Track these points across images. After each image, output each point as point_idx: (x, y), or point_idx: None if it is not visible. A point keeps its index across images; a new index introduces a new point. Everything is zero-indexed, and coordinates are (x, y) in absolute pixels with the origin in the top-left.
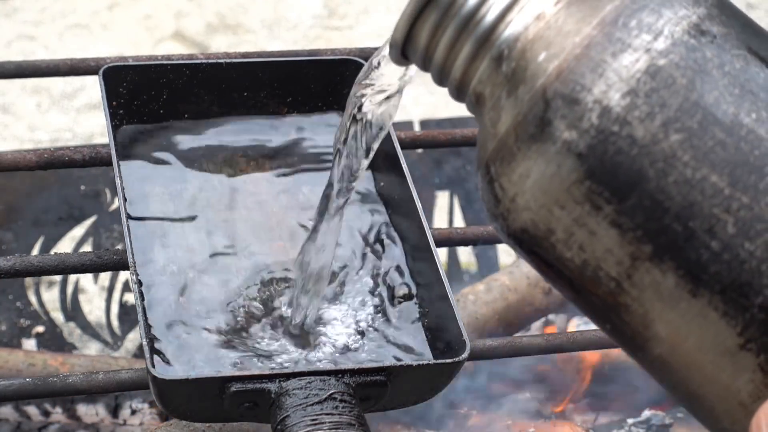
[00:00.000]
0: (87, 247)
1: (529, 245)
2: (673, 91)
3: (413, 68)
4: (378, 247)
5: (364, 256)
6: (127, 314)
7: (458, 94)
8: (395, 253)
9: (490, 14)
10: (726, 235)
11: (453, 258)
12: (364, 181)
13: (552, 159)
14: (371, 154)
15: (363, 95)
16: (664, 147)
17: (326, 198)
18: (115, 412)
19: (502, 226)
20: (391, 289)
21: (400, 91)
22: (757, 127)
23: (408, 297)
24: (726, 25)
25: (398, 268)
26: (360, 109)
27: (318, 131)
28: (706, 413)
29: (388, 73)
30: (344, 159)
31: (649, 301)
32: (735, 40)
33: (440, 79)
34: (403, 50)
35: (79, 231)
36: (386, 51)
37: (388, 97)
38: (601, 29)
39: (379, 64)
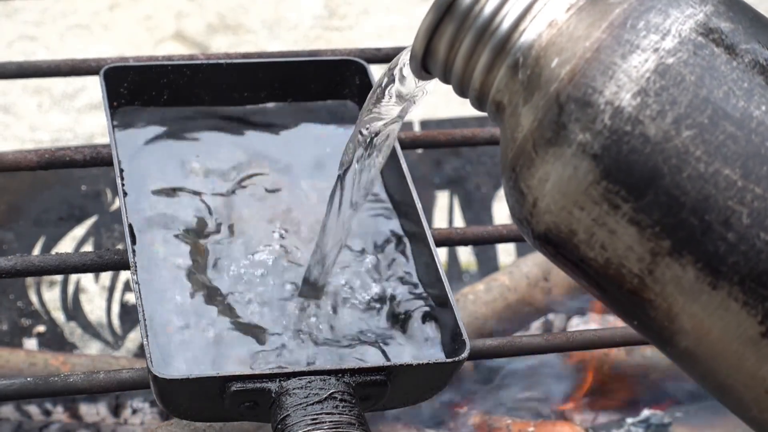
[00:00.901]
0: (88, 247)
1: (554, 247)
2: (682, 89)
3: (420, 92)
4: (380, 246)
5: (364, 255)
6: (128, 314)
7: (479, 104)
8: (398, 254)
9: (505, 23)
10: (741, 226)
11: (453, 258)
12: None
13: (568, 161)
14: (377, 172)
15: (371, 116)
16: (676, 143)
17: (332, 205)
18: (116, 411)
19: (527, 230)
20: (391, 289)
21: (402, 115)
22: (767, 118)
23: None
24: (734, 21)
25: (402, 269)
26: (368, 129)
27: (321, 120)
28: (735, 403)
29: (395, 94)
30: (352, 178)
31: (672, 296)
32: (743, 35)
33: (461, 90)
34: (424, 63)
35: (80, 231)
36: (402, 61)
37: (393, 119)
38: (610, 32)
39: (391, 80)
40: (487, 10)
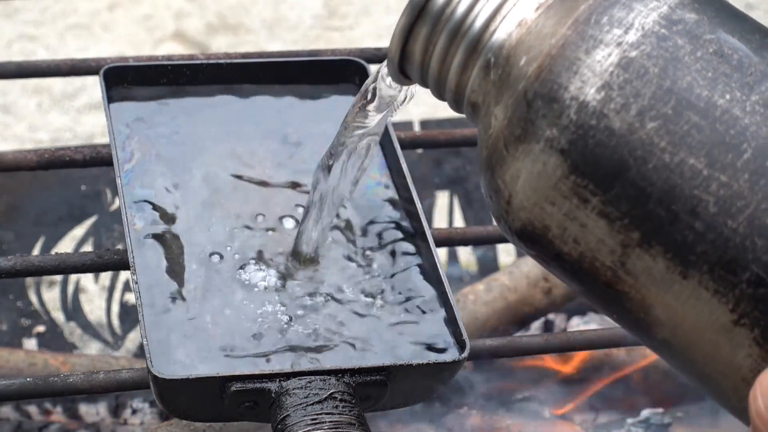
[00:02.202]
0: (88, 247)
1: (531, 243)
2: (646, 81)
3: (402, 97)
4: (380, 247)
5: (364, 255)
6: (128, 314)
7: (456, 105)
8: (398, 254)
9: (476, 24)
10: (708, 214)
11: (453, 258)
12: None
13: (537, 157)
14: (357, 183)
15: (355, 124)
16: (641, 135)
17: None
18: (115, 411)
19: (505, 227)
20: (392, 288)
21: (382, 122)
22: (731, 107)
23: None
24: (698, 12)
25: (402, 269)
26: (349, 136)
27: (320, 117)
28: (715, 392)
29: (373, 107)
30: (330, 185)
31: (645, 287)
32: (707, 25)
33: (438, 92)
34: (401, 67)
35: (79, 231)
36: (382, 74)
37: (373, 127)
38: (575, 28)
39: (373, 92)
40: (459, 10)
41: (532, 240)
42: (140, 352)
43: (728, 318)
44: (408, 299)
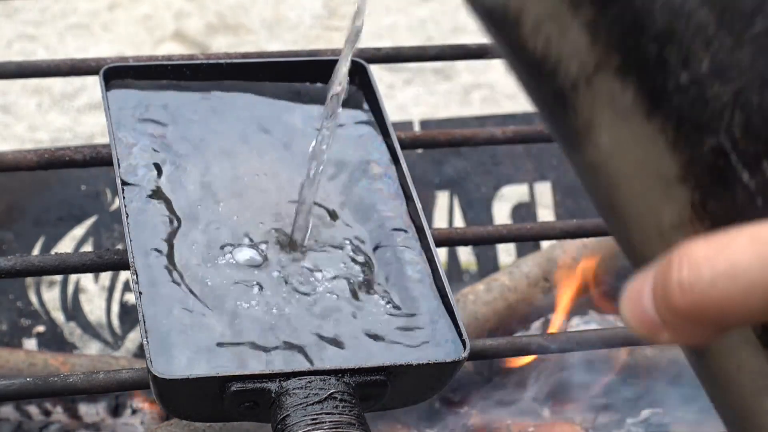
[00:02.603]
0: (87, 247)
1: (496, 27)
2: None
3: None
4: (380, 247)
5: (364, 255)
6: (128, 314)
7: None
8: (398, 254)
9: None
10: (699, 71)
11: (453, 258)
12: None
13: None
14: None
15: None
16: None
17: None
18: (115, 411)
19: (474, 2)
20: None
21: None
22: None
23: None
24: None
25: (402, 269)
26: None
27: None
28: (621, 230)
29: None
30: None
31: (600, 108)
32: None
33: None
34: None
35: (79, 231)
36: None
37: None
38: None
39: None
40: None
41: (498, 24)
42: (140, 352)
43: (675, 172)
44: (408, 299)
